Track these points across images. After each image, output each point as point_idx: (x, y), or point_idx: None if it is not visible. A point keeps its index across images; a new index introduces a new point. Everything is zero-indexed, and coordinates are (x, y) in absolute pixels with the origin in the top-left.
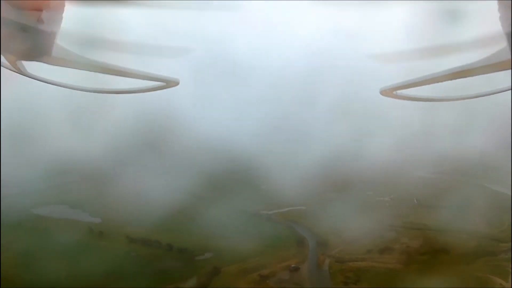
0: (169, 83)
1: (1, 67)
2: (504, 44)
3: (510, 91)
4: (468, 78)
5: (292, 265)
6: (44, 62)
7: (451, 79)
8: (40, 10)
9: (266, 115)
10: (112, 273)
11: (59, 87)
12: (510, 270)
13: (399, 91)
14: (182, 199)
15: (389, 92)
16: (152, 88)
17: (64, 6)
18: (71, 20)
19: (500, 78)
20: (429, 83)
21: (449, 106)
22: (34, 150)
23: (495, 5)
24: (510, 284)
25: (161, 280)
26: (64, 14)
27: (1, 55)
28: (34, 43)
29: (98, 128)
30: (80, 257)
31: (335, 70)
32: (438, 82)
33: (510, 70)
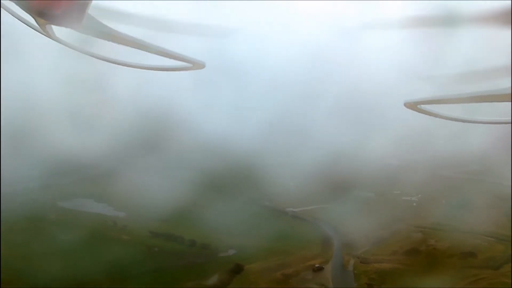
0: (195, 65)
1: (33, 29)
2: None
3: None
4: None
5: (316, 265)
6: (74, 29)
7: (478, 102)
8: None
9: (269, 113)
10: (133, 268)
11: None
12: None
13: (423, 106)
14: (206, 196)
15: (413, 105)
16: (177, 68)
17: None
18: None
19: None
20: (455, 102)
21: (449, 105)
22: (39, 147)
23: None
24: None
25: (182, 276)
26: None
27: (33, 18)
28: (67, 10)
29: (102, 128)
30: (101, 251)
31: (336, 69)
32: (464, 102)
33: None
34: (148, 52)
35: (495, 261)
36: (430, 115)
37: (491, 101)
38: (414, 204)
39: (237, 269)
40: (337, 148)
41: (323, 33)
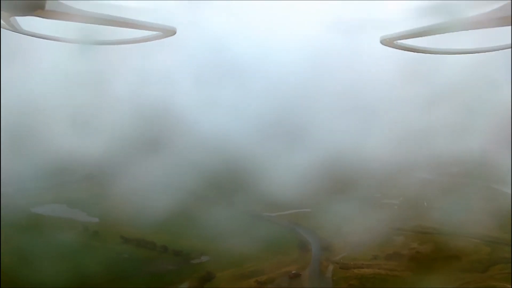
0: (166, 33)
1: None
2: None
3: (511, 50)
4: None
5: (293, 271)
6: (38, 16)
7: (451, 31)
8: None
9: (266, 114)
10: (103, 274)
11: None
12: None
13: (399, 41)
14: (181, 200)
15: (390, 42)
16: (149, 38)
17: None
18: None
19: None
20: (430, 34)
21: (450, 105)
22: (35, 149)
23: None
24: None
25: (152, 284)
26: None
27: None
28: None
29: (98, 128)
30: (73, 257)
31: (335, 69)
32: (439, 33)
33: (510, 27)
34: (116, 26)
35: (481, 263)
36: (408, 50)
37: (464, 30)
38: (395, 207)
39: (208, 277)
40: (336, 149)
41: (323, 33)
